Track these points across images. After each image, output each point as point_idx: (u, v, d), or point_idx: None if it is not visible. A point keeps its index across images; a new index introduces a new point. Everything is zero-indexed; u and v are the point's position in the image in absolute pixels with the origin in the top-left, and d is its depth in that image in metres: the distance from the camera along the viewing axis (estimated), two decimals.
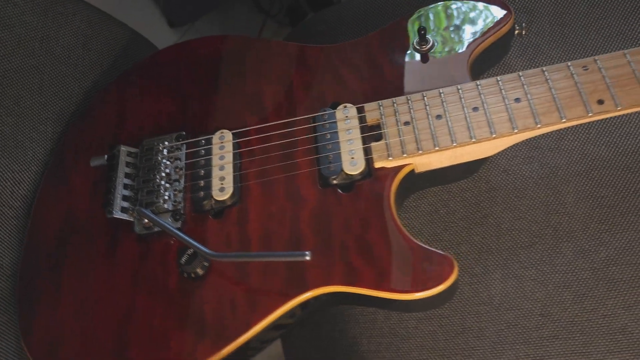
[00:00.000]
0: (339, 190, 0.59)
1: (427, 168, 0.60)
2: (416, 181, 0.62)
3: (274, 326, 0.57)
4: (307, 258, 0.52)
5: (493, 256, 0.69)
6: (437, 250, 0.54)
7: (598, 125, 0.70)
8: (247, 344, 0.56)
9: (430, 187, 0.69)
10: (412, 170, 0.60)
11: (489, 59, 0.68)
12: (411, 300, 0.52)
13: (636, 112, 0.68)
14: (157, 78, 0.74)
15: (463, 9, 0.67)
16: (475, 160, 0.61)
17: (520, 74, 0.59)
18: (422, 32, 0.64)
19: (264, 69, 0.70)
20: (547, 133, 0.72)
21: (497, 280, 0.68)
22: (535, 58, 0.73)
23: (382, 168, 0.59)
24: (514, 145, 0.73)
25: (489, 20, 0.65)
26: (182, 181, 0.64)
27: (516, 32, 0.67)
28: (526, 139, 0.71)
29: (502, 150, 0.73)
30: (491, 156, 0.70)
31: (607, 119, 0.69)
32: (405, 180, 0.60)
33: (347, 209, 0.58)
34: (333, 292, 0.55)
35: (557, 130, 0.72)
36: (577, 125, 0.71)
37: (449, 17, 0.67)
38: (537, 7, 0.74)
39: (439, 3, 0.68)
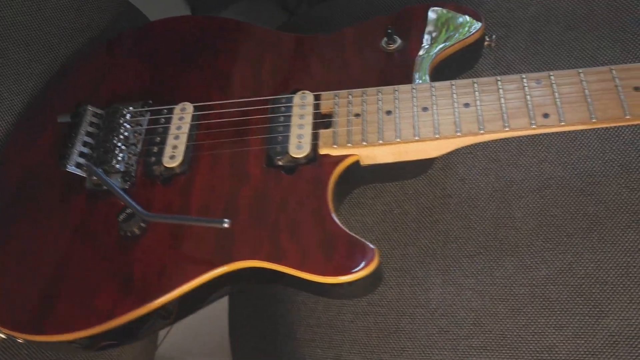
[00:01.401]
0: (282, 172, 0.61)
1: (373, 161, 0.61)
2: (362, 174, 0.62)
3: (200, 292, 0.58)
4: (225, 225, 0.53)
5: (437, 261, 0.69)
6: (363, 240, 0.55)
7: (558, 145, 0.70)
8: (170, 305, 0.57)
9: (377, 182, 0.69)
10: (357, 162, 0.61)
11: (456, 65, 0.69)
12: (328, 284, 0.53)
13: (596, 136, 0.69)
14: (138, 48, 0.76)
15: (435, 14, 0.68)
16: (422, 161, 0.62)
17: (475, 80, 0.60)
18: (389, 31, 0.65)
19: (239, 51, 0.72)
20: (507, 148, 0.73)
21: (437, 286, 0.68)
22: (506, 73, 0.74)
23: (327, 155, 0.60)
24: (472, 154, 0.75)
25: (458, 27, 0.66)
26: (139, 146, 0.66)
27: (485, 43, 0.68)
28: (487, 152, 0.73)
29: (461, 159, 0.74)
30: (448, 162, 0.72)
31: (567, 140, 0.70)
32: (348, 170, 0.60)
33: (286, 190, 0.59)
34: (257, 268, 0.56)
35: (517, 146, 0.72)
36: (537, 143, 0.71)
37: (416, 18, 0.68)
38: (514, 23, 0.75)
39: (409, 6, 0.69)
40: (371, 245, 0.54)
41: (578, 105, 0.56)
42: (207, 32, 0.75)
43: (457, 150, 0.76)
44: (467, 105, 0.58)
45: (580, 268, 0.64)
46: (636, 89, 0.55)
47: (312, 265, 0.54)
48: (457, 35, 0.66)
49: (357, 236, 0.55)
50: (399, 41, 0.67)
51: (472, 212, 0.70)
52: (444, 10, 0.68)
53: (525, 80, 0.58)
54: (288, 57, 0.70)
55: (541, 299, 0.64)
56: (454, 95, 0.59)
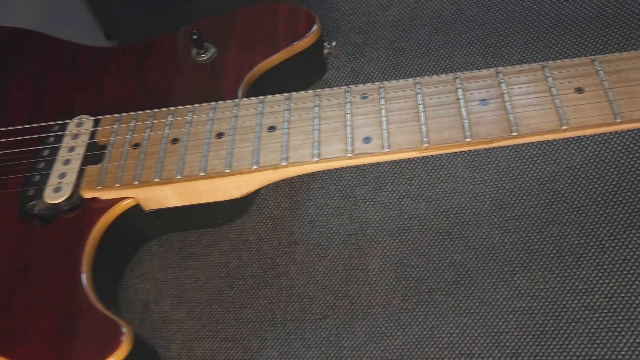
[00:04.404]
0: (38, 222, 0.46)
1: (159, 205, 0.46)
2: (150, 222, 0.48)
3: None
4: None
5: (276, 328, 0.54)
6: (114, 319, 0.40)
7: (422, 176, 0.56)
8: None
9: (177, 231, 0.55)
10: (138, 207, 0.46)
11: (291, 77, 0.55)
12: None
13: (465, 163, 0.55)
14: None
15: (259, 16, 0.55)
16: (230, 202, 0.47)
17: (289, 95, 0.46)
18: (195, 37, 0.51)
19: (23, 68, 0.57)
20: (365, 181, 0.60)
21: None
22: None
23: (96, 199, 0.46)
24: (325, 190, 0.61)
25: (287, 32, 0.53)
26: None
27: (325, 51, 0.55)
28: (342, 186, 0.59)
29: (311, 196, 0.60)
30: (296, 201, 0.58)
31: (432, 169, 0.56)
32: (125, 218, 0.46)
33: (34, 248, 0.44)
34: None
35: (376, 178, 0.59)
36: (399, 174, 0.57)
37: (241, 23, 0.54)
38: (374, 28, 0.62)
39: (235, 8, 0.56)
40: (123, 328, 0.39)
41: (408, 126, 0.42)
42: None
43: (307, 185, 0.63)
44: (272, 128, 0.44)
45: (443, 335, 0.49)
46: (483, 102, 0.42)
47: (33, 356, 0.39)
48: (284, 41, 0.53)
49: (107, 312, 0.40)
50: (212, 50, 0.53)
51: (321, 263, 0.56)
52: (272, 12, 0.55)
53: (349, 94, 0.45)
54: (80, 73, 0.56)
55: None
56: (259, 117, 0.45)
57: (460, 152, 0.57)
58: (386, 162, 0.60)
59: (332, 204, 0.58)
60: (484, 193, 0.53)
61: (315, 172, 0.61)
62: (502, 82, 0.42)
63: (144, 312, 0.60)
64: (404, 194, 0.56)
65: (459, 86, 0.43)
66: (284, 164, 0.42)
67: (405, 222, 0.55)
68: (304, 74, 0.56)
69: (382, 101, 0.43)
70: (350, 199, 0.58)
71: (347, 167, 0.61)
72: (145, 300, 0.62)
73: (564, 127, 0.39)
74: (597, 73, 0.41)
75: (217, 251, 0.60)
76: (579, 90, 0.41)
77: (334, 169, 0.61)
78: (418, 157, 0.58)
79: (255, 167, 0.43)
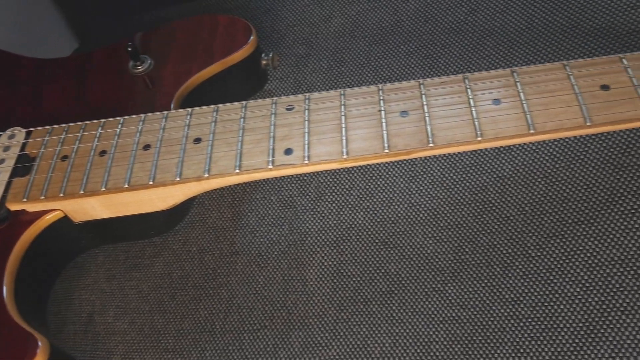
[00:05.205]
0: None
1: (88, 217, 0.46)
2: (81, 233, 0.48)
3: None
4: None
5: (215, 339, 0.54)
6: (31, 332, 0.40)
7: (361, 186, 0.56)
8: None
9: (113, 242, 0.55)
10: (66, 219, 0.46)
11: (231, 89, 0.55)
12: None
13: (403, 173, 0.56)
14: None
15: (196, 28, 0.55)
16: (161, 213, 0.47)
17: (218, 107, 0.46)
18: (130, 49, 0.52)
19: None
20: (306, 191, 0.60)
21: None
22: None
23: (24, 211, 0.46)
24: (266, 200, 0.61)
25: (224, 44, 0.53)
26: None
27: (263, 62, 0.55)
28: (283, 196, 0.59)
29: (253, 207, 0.60)
30: (239, 211, 0.58)
31: (371, 179, 0.56)
32: (53, 230, 0.46)
33: None
34: None
35: (316, 188, 0.59)
36: (339, 184, 0.58)
37: (180, 34, 0.54)
38: (316, 39, 0.62)
39: (175, 20, 0.56)
40: (39, 342, 0.39)
41: (330, 137, 0.42)
42: None
43: (249, 196, 0.63)
44: (197, 140, 0.45)
45: (376, 345, 0.50)
46: (404, 113, 0.42)
47: None
48: (220, 53, 0.53)
49: (24, 325, 0.40)
50: (148, 61, 0.53)
51: (261, 273, 0.56)
52: (211, 23, 0.55)
53: (275, 106, 0.45)
54: (20, 85, 0.56)
55: None
56: (186, 128, 0.45)
57: (398, 162, 0.57)
58: (326, 171, 0.60)
59: (273, 214, 0.58)
60: (419, 203, 0.53)
61: (257, 182, 0.62)
62: (423, 94, 0.43)
63: (88, 323, 0.60)
64: (342, 203, 0.56)
65: (381, 98, 0.43)
66: (207, 175, 0.42)
67: (343, 232, 0.55)
68: (244, 85, 0.56)
69: (307, 112, 0.44)
70: (290, 209, 0.58)
71: (288, 177, 0.61)
72: (90, 311, 0.62)
73: (479, 139, 0.40)
74: (516, 84, 0.42)
75: (161, 262, 0.60)
76: (496, 101, 0.41)
77: (276, 178, 0.62)
78: (357, 167, 0.59)
79: (178, 179, 0.43)
